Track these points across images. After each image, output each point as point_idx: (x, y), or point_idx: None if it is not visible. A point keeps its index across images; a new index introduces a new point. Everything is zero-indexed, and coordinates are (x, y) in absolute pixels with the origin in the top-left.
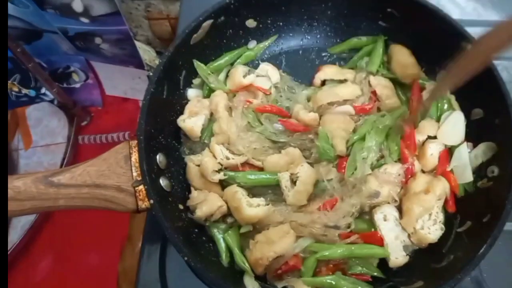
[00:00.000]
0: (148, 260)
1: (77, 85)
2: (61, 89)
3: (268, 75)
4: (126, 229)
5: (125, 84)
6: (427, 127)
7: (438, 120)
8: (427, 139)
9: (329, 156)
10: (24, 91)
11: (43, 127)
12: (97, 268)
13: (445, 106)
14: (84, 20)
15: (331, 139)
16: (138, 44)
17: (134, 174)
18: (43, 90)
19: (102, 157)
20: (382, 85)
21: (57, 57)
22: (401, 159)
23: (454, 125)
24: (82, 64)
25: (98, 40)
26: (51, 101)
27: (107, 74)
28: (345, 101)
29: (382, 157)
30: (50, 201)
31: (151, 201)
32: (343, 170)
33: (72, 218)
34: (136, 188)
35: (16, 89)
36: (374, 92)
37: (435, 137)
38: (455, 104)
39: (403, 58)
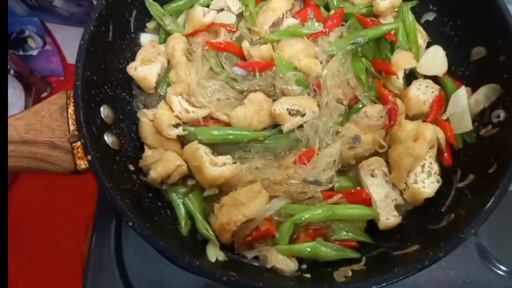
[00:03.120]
0: (102, 234)
1: (34, 52)
2: (16, 57)
3: (228, 5)
4: (92, 207)
5: None
6: (401, 59)
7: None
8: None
9: (299, 81)
10: None
11: None
12: (62, 251)
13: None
14: None
15: (297, 64)
16: None
17: (71, 127)
18: None
19: (34, 109)
20: None
21: (9, 19)
22: (380, 100)
23: (434, 56)
24: (37, 28)
25: None
26: None
27: (67, 39)
28: (284, 16)
29: (356, 100)
30: None
31: (89, 157)
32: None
33: (34, 198)
34: (74, 145)
35: None
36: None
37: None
38: (424, 35)
39: None
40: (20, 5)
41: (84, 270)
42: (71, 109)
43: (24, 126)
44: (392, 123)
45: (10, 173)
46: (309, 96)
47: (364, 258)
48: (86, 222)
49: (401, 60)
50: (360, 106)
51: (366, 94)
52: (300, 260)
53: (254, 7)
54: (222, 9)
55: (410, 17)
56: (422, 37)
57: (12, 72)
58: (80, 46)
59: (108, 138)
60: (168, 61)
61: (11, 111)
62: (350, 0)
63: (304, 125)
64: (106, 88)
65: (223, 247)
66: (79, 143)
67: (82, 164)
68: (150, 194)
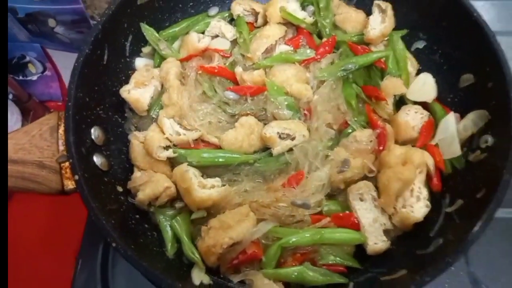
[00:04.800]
0: (89, 260)
1: (34, 77)
2: (15, 81)
3: (222, 32)
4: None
5: None
6: (390, 86)
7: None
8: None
9: (290, 106)
10: None
11: None
12: (52, 274)
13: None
14: None
15: (289, 88)
16: None
17: (61, 148)
18: None
19: (24, 129)
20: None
21: (10, 45)
22: (369, 125)
23: (423, 82)
24: (38, 53)
25: (52, 23)
26: None
27: (66, 64)
28: (277, 42)
29: (346, 125)
30: None
31: (76, 177)
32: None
33: (28, 220)
34: (62, 165)
35: None
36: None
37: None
38: (414, 63)
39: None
40: (22, 31)
41: None
42: (61, 129)
43: (13, 146)
44: (381, 147)
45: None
46: (299, 120)
47: (351, 284)
48: (77, 246)
49: (391, 87)
50: (350, 130)
51: (356, 119)
52: (287, 285)
53: (248, 34)
54: (216, 36)
55: (400, 45)
56: (412, 65)
57: (10, 96)
58: (74, 68)
59: (97, 159)
60: (162, 85)
61: None
62: (342, 28)
63: (294, 148)
64: (98, 109)
65: (209, 271)
66: (67, 163)
67: (70, 184)
68: (137, 216)
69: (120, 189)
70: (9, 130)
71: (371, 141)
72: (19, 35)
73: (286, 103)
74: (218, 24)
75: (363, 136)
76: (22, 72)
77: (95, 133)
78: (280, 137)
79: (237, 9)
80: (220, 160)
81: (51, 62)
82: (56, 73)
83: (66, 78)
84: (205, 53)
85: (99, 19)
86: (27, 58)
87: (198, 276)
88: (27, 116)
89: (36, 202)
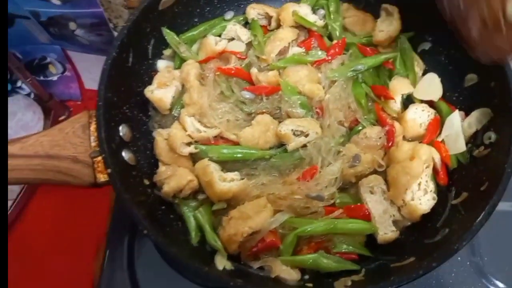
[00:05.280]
0: (115, 252)
1: (54, 78)
2: (36, 81)
3: (238, 35)
4: (104, 227)
5: None
6: (398, 86)
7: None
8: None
9: (303, 105)
10: None
11: (18, 121)
12: (71, 269)
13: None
14: (55, 1)
15: (302, 88)
16: None
17: (93, 144)
18: (18, 83)
19: (58, 127)
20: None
21: (32, 47)
22: (378, 122)
23: (429, 82)
24: (58, 55)
25: (72, 26)
26: (28, 95)
27: (85, 66)
28: (290, 45)
29: (356, 123)
30: None
31: (109, 170)
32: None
33: (44, 220)
34: (94, 160)
35: None
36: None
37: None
38: (420, 63)
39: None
40: (43, 34)
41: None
42: (92, 127)
43: (49, 142)
44: (390, 144)
45: (29, 188)
46: (312, 118)
47: (363, 270)
48: (98, 242)
49: (399, 86)
50: (360, 128)
51: (365, 117)
52: (303, 271)
53: (262, 37)
54: (232, 39)
55: (407, 46)
56: (418, 65)
57: (32, 96)
58: (103, 70)
59: (125, 154)
60: (182, 85)
61: (31, 133)
62: (351, 31)
63: (308, 145)
64: (125, 108)
65: (230, 257)
66: (99, 158)
67: (101, 177)
68: (163, 207)
69: (146, 182)
70: (31, 128)
71: (380, 137)
72: (41, 38)
73: (299, 102)
74: (233, 28)
75: (373, 133)
76: (43, 73)
77: (123, 130)
78: (294, 134)
79: (252, 13)
80: (239, 155)
81: (71, 63)
82: (75, 74)
83: (85, 78)
84: (222, 55)
85: (115, 21)
86: (48, 59)
87: (221, 262)
88: (48, 115)
89: (57, 198)
